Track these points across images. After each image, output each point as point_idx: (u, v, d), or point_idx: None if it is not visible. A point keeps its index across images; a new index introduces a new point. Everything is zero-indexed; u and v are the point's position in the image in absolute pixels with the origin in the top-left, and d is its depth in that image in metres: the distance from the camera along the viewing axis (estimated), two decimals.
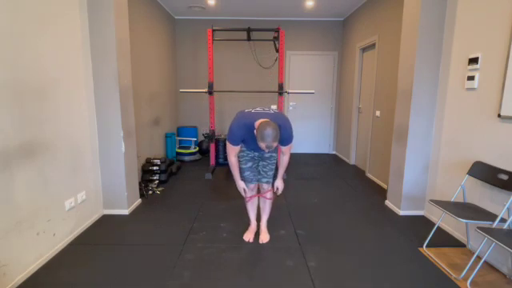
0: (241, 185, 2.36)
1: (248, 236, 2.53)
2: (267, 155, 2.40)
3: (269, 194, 2.49)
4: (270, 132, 1.90)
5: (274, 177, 2.47)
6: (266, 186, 2.46)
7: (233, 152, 2.23)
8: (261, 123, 1.97)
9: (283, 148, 2.28)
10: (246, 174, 2.40)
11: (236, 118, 2.21)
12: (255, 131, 2.01)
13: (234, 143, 2.18)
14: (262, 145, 1.95)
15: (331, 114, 6.04)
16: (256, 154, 2.41)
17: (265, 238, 2.51)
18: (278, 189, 2.41)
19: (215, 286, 1.92)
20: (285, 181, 4.17)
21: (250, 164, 2.39)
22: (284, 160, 2.35)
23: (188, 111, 5.93)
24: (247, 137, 2.17)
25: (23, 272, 1.96)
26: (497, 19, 2.16)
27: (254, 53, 5.46)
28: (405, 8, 2.98)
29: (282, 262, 2.18)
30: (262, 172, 2.43)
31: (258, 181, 2.45)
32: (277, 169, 2.50)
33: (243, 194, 2.39)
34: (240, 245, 2.43)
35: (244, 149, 2.38)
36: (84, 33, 2.64)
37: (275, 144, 1.96)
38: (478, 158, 2.32)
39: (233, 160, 2.27)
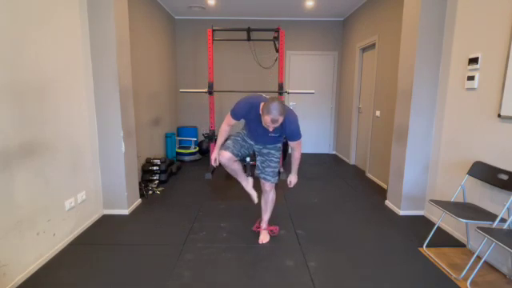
0: (215, 155, 2.34)
1: (253, 195, 2.51)
2: (265, 151, 2.37)
3: (271, 196, 2.47)
4: (276, 105, 1.91)
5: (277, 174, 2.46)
6: (267, 185, 2.42)
7: (228, 122, 2.28)
8: (267, 101, 2.00)
9: (292, 144, 2.25)
10: (228, 142, 2.34)
11: (247, 96, 2.23)
12: (261, 110, 2.01)
13: (234, 116, 2.22)
14: (267, 118, 1.93)
15: (331, 114, 6.04)
16: (252, 143, 2.38)
17: (265, 238, 2.50)
18: (290, 182, 2.41)
19: (215, 286, 1.92)
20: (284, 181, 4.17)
21: (238, 138, 2.36)
22: (295, 156, 2.32)
23: (188, 111, 5.93)
24: (250, 116, 2.19)
25: (23, 272, 1.96)
26: (497, 19, 2.16)
27: (253, 53, 5.45)
28: (405, 8, 2.98)
29: (281, 262, 2.18)
30: (260, 167, 2.42)
31: (257, 175, 2.43)
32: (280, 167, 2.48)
33: (212, 162, 2.36)
34: (240, 245, 2.43)
35: (245, 132, 2.38)
36: (84, 33, 2.64)
37: (281, 119, 1.94)
38: (477, 158, 2.32)
39: (224, 127, 2.32)
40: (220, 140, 2.36)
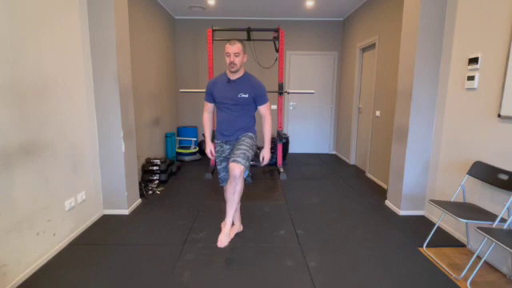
0: (209, 146, 2.43)
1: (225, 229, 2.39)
2: (237, 141, 2.29)
3: (239, 185, 2.12)
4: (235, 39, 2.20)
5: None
6: (235, 168, 2.08)
7: (205, 108, 2.44)
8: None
9: (261, 108, 2.33)
10: (222, 174, 2.42)
11: None
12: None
13: (207, 97, 2.38)
14: (227, 46, 2.16)
15: (331, 114, 6.04)
16: (228, 149, 2.34)
17: (222, 239, 2.10)
18: (263, 159, 2.34)
19: (215, 286, 1.92)
20: (285, 181, 4.18)
21: (224, 164, 2.39)
22: (266, 125, 2.34)
23: (188, 111, 5.93)
24: (217, 85, 2.30)
25: (23, 272, 1.96)
26: (497, 19, 2.16)
27: (254, 53, 5.45)
28: (405, 8, 2.98)
29: (282, 262, 2.18)
30: (230, 154, 2.28)
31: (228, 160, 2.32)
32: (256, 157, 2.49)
33: (209, 156, 2.45)
34: (240, 245, 2.43)
35: (217, 140, 2.39)
36: (84, 33, 2.64)
37: (238, 44, 2.17)
38: (478, 158, 2.32)
39: (204, 116, 2.46)
40: (207, 131, 2.47)
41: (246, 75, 2.29)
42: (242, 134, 2.33)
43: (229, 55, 2.16)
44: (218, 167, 2.42)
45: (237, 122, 2.30)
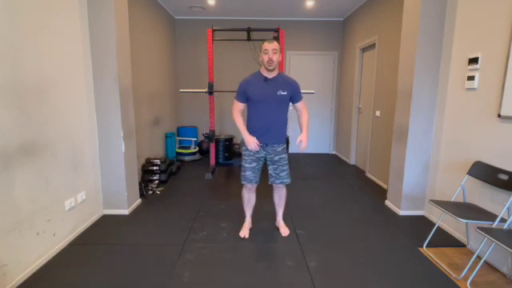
0: (251, 138, 2.31)
1: (244, 232, 2.56)
2: (276, 158, 2.41)
3: (284, 191, 2.60)
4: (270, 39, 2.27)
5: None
6: (283, 185, 2.52)
7: (236, 108, 2.41)
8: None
9: (298, 105, 2.41)
10: (248, 173, 2.41)
11: None
12: (260, 59, 2.30)
13: (238, 97, 2.38)
14: (264, 45, 2.22)
15: (331, 113, 6.04)
16: (264, 153, 2.40)
17: (285, 231, 2.60)
18: (301, 141, 2.32)
19: (215, 286, 1.92)
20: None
21: (254, 164, 2.41)
22: (303, 118, 2.41)
23: (188, 111, 5.93)
24: (253, 85, 2.32)
25: (23, 272, 1.96)
26: (497, 19, 2.16)
27: (254, 53, 5.45)
28: (405, 8, 2.98)
29: (282, 262, 2.18)
30: (273, 175, 2.46)
31: (272, 183, 2.49)
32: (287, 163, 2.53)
33: (255, 146, 2.31)
34: (240, 245, 2.43)
35: (249, 151, 2.39)
36: (84, 33, 2.64)
37: (276, 43, 2.23)
38: (478, 158, 2.32)
39: (235, 115, 2.42)
40: (241, 124, 2.38)
41: (281, 74, 2.38)
42: (278, 142, 2.39)
43: (267, 52, 2.21)
44: (246, 165, 2.42)
45: (274, 119, 2.36)
